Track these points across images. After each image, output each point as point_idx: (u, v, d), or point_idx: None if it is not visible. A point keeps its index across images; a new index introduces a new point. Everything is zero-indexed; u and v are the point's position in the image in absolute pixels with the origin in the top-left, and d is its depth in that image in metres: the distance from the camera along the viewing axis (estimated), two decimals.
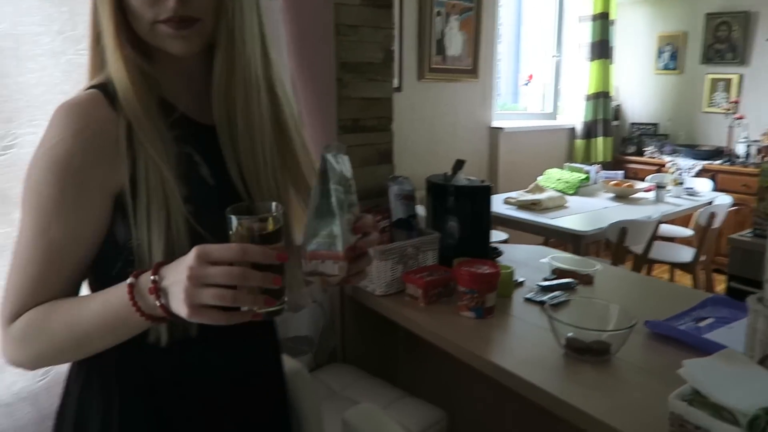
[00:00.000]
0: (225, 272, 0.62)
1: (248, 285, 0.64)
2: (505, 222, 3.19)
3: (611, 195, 3.60)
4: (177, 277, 0.64)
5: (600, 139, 4.90)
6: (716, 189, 4.04)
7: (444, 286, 1.67)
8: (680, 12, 4.88)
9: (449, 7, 3.81)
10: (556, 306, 1.52)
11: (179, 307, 0.64)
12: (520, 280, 1.80)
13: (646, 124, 5.17)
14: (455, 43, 3.94)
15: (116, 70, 0.76)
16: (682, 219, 3.74)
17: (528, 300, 1.67)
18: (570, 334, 1.34)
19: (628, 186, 3.65)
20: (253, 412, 0.89)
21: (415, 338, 1.63)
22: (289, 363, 1.01)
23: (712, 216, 3.38)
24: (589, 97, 4.84)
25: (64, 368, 0.87)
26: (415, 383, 1.95)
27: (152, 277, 0.66)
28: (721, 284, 3.57)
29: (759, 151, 4.33)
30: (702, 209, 3.43)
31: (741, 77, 4.59)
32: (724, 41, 4.65)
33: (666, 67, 5.02)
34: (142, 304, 0.68)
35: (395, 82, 3.58)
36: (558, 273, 1.83)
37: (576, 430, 1.19)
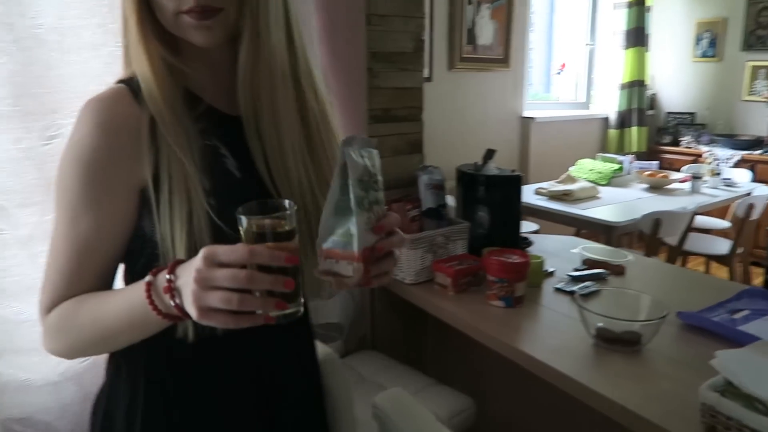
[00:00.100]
0: (231, 275, 0.60)
1: (255, 288, 0.61)
2: (536, 213, 3.17)
3: (645, 186, 3.53)
4: (187, 278, 0.63)
5: (634, 129, 4.80)
6: (755, 180, 3.93)
7: (473, 275, 1.68)
8: None
9: None
10: (587, 296, 1.51)
11: (189, 308, 0.63)
12: (550, 270, 1.79)
13: (682, 113, 5.04)
14: (486, 32, 3.90)
15: (139, 63, 0.76)
16: (719, 210, 3.66)
17: (558, 290, 1.66)
18: (600, 324, 1.33)
19: (662, 176, 3.57)
20: (287, 396, 0.89)
21: (444, 326, 1.64)
22: (320, 348, 1.03)
23: (751, 207, 3.29)
24: (623, 86, 4.74)
25: None
26: (444, 371, 1.96)
27: (167, 276, 0.65)
28: (758, 277, 3.49)
29: None
30: (740, 200, 3.34)
31: None
32: (767, 27, 4.50)
33: (704, 55, 4.89)
34: (159, 303, 0.67)
35: (425, 72, 3.56)
36: (589, 263, 1.81)
37: (606, 420, 1.19)
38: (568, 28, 4.95)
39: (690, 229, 3.11)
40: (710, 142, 4.65)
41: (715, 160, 4.32)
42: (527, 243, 2.00)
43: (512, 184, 1.85)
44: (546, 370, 1.30)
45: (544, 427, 1.60)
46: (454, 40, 3.71)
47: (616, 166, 3.62)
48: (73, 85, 1.20)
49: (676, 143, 4.90)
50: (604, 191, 3.37)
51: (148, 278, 0.67)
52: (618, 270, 1.78)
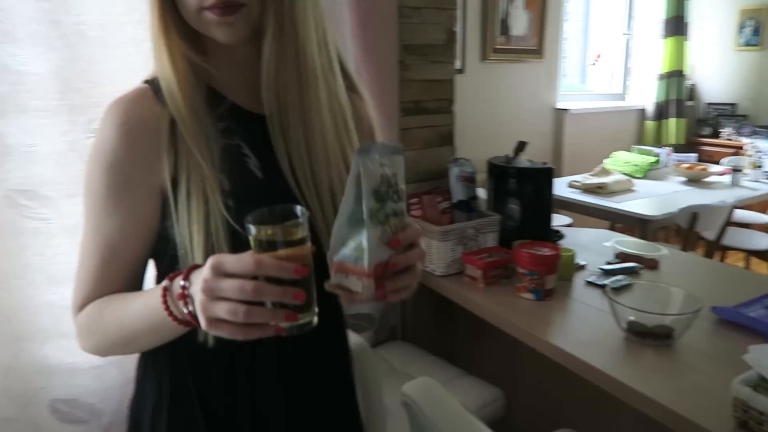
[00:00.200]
0: (237, 287, 0.58)
1: (263, 300, 0.59)
2: (569, 206, 3.14)
3: (683, 179, 3.46)
4: (197, 286, 0.61)
5: (672, 121, 4.69)
6: None
7: (503, 268, 1.68)
8: None
9: None
10: (618, 289, 1.50)
11: (199, 317, 0.61)
12: (582, 263, 1.78)
13: (723, 104, 4.90)
14: (520, 22, 3.86)
15: (159, 61, 0.74)
16: (760, 204, 3.55)
17: (589, 283, 1.66)
18: (631, 318, 1.33)
19: (701, 169, 3.49)
20: (319, 384, 0.87)
21: (474, 318, 1.65)
22: (351, 338, 1.05)
23: None
24: (661, 77, 4.64)
25: None
26: (474, 363, 1.97)
27: (181, 283, 0.64)
28: None
29: None
30: None
31: None
32: None
33: (748, 43, 4.73)
34: (174, 309, 0.65)
35: (458, 64, 3.56)
36: (621, 257, 1.80)
37: (636, 414, 1.18)
38: (605, 17, 4.85)
39: (729, 223, 3.04)
40: (752, 134, 4.51)
41: (757, 152, 4.19)
42: (559, 236, 1.99)
43: (543, 176, 1.84)
44: (576, 362, 1.30)
45: (573, 419, 1.60)
46: (487, 32, 3.69)
47: (653, 159, 3.55)
48: (116, 80, 1.25)
49: (716, 135, 4.77)
50: (640, 184, 3.31)
51: (164, 283, 0.66)
52: (651, 264, 1.75)
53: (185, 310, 0.63)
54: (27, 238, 1.24)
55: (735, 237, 3.32)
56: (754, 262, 3.77)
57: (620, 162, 3.60)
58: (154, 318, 0.67)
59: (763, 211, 3.67)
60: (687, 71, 4.76)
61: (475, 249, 1.76)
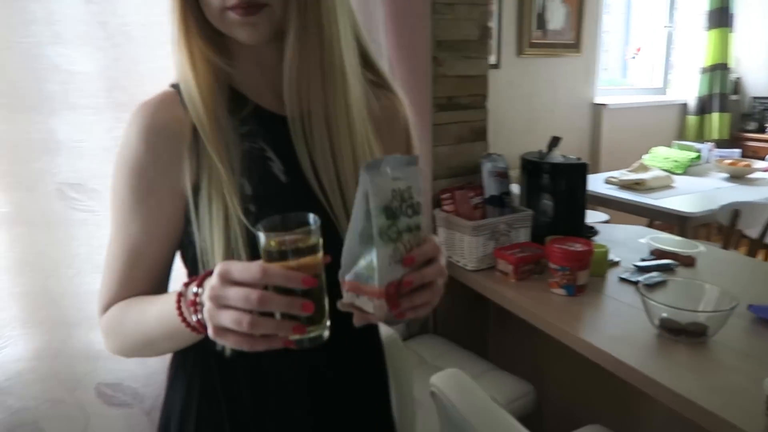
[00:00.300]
0: (242, 296, 0.56)
1: (269, 310, 0.57)
2: (606, 202, 3.09)
3: (725, 175, 3.36)
4: (206, 293, 0.59)
5: (716, 115, 4.56)
6: None
7: (535, 263, 1.68)
8: None
9: None
10: (652, 286, 1.49)
11: (207, 325, 0.59)
12: (616, 259, 1.77)
13: None
14: (557, 16, 3.81)
15: (180, 63, 0.73)
16: None
17: (622, 279, 1.64)
18: (664, 315, 1.32)
19: (744, 165, 3.39)
20: (350, 386, 0.85)
21: (506, 313, 1.65)
22: (383, 330, 1.07)
23: None
24: (704, 70, 4.51)
25: None
26: (505, 357, 1.98)
27: (194, 290, 0.63)
28: None
29: None
30: None
31: None
32: None
33: None
34: (187, 316, 0.64)
35: (493, 59, 3.54)
36: (657, 254, 1.77)
37: (667, 411, 1.18)
38: (647, 9, 4.74)
39: None
40: None
41: None
42: (593, 232, 1.98)
43: (577, 172, 1.83)
44: (606, 358, 1.30)
45: (603, 416, 1.59)
46: (523, 26, 3.66)
47: (694, 155, 3.47)
48: (159, 78, 1.29)
49: (761, 130, 4.61)
50: (680, 180, 3.24)
51: (180, 289, 0.66)
52: (687, 261, 1.73)
53: (195, 318, 0.63)
54: (75, 229, 1.31)
55: None
56: None
57: (659, 158, 3.53)
58: (169, 324, 0.66)
59: None
60: (732, 64, 4.61)
61: (507, 244, 1.77)
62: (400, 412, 1.17)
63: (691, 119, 4.59)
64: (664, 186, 3.11)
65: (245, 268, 0.57)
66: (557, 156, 1.84)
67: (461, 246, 1.77)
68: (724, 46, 4.49)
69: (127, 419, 1.46)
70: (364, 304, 0.60)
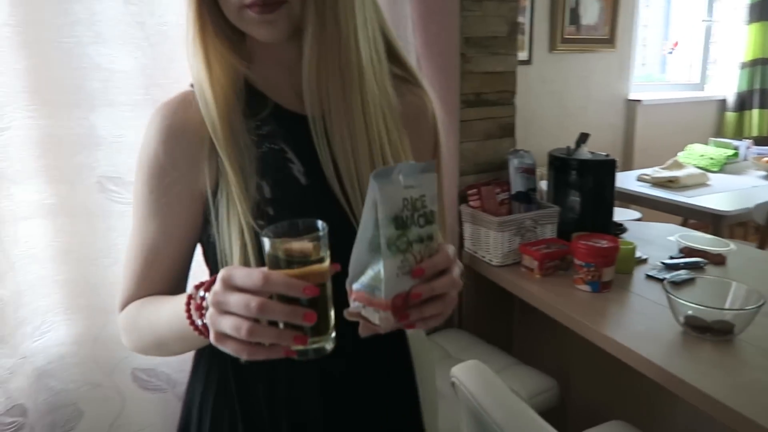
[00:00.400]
0: (242, 302, 0.54)
1: (268, 319, 0.55)
2: (638, 200, 3.05)
3: (763, 173, 3.27)
4: (208, 298, 0.58)
5: (756, 112, 4.43)
6: None
7: (561, 259, 1.68)
8: None
9: None
10: (679, 284, 1.47)
11: (210, 330, 0.58)
12: (644, 257, 1.76)
13: None
14: (591, 11, 3.76)
15: (194, 62, 0.72)
16: None
17: (649, 277, 1.63)
18: (690, 312, 1.31)
19: None
20: (373, 377, 0.83)
21: (531, 308, 1.66)
22: None
23: None
24: (744, 65, 4.38)
25: None
26: (529, 352, 1.99)
27: (202, 293, 0.62)
28: None
29: None
30: None
31: None
32: None
33: None
34: (195, 319, 0.63)
35: (524, 55, 3.52)
36: (686, 252, 1.76)
37: (691, 409, 1.18)
38: (686, 2, 4.63)
39: None
40: None
41: None
42: (621, 229, 1.97)
43: (605, 168, 1.82)
44: (630, 355, 1.30)
45: (627, 412, 1.59)
46: (555, 21, 3.62)
47: (731, 152, 3.39)
48: None
49: None
50: (716, 178, 3.17)
51: (190, 291, 0.65)
52: (717, 260, 1.70)
53: (200, 322, 0.62)
54: (114, 220, 1.37)
55: None
56: None
57: (695, 155, 3.46)
58: (179, 326, 0.65)
59: None
60: None
61: (533, 240, 1.77)
62: (423, 404, 1.20)
63: (730, 116, 4.48)
64: (699, 184, 3.05)
65: (247, 275, 0.55)
66: (585, 152, 1.84)
67: (486, 241, 1.79)
68: (765, 40, 4.36)
69: (160, 403, 1.53)
70: (370, 314, 0.58)
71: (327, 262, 0.58)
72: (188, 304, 0.64)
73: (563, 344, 1.87)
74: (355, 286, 0.59)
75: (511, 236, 1.75)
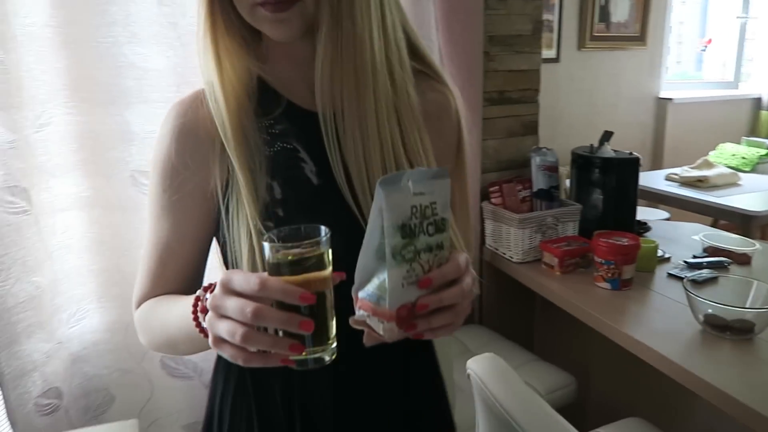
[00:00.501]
0: (238, 307, 0.53)
1: (263, 325, 0.54)
2: (666, 200, 3.01)
3: None
4: (208, 301, 0.57)
5: None
6: None
7: (581, 257, 1.69)
8: None
9: None
10: (701, 283, 1.47)
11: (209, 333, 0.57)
12: (666, 255, 1.75)
13: None
14: (621, 8, 3.72)
15: (204, 60, 0.71)
16: None
17: (671, 275, 1.63)
18: (709, 311, 1.31)
19: None
20: (399, 370, 0.81)
21: (551, 306, 1.67)
22: None
23: None
24: None
25: None
26: (549, 349, 1.99)
27: (207, 296, 0.61)
28: None
29: None
30: None
31: None
32: None
33: None
34: (202, 321, 0.62)
35: (553, 53, 3.51)
36: (710, 251, 1.74)
37: (709, 407, 1.18)
38: None
39: None
40: None
41: None
42: (645, 228, 1.96)
43: (629, 166, 1.81)
44: (648, 352, 1.30)
45: (645, 410, 1.59)
46: (584, 19, 3.60)
47: (764, 152, 3.33)
48: None
49: None
50: (747, 178, 3.11)
51: (198, 293, 0.64)
52: (742, 259, 1.69)
53: (205, 324, 0.60)
54: (146, 212, 1.43)
55: None
56: None
57: (726, 154, 3.41)
58: (187, 327, 0.64)
59: None
60: None
61: (554, 237, 1.78)
62: None
63: (765, 114, 4.37)
64: (729, 183, 3.00)
65: (245, 279, 0.54)
66: (608, 150, 1.84)
67: (507, 238, 1.80)
68: None
69: (187, 390, 1.58)
70: (375, 324, 0.57)
71: (328, 270, 0.57)
72: (195, 305, 0.63)
73: (583, 341, 1.87)
74: (361, 294, 0.57)
75: (531, 233, 1.76)
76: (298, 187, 0.72)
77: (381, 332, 0.56)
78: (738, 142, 3.56)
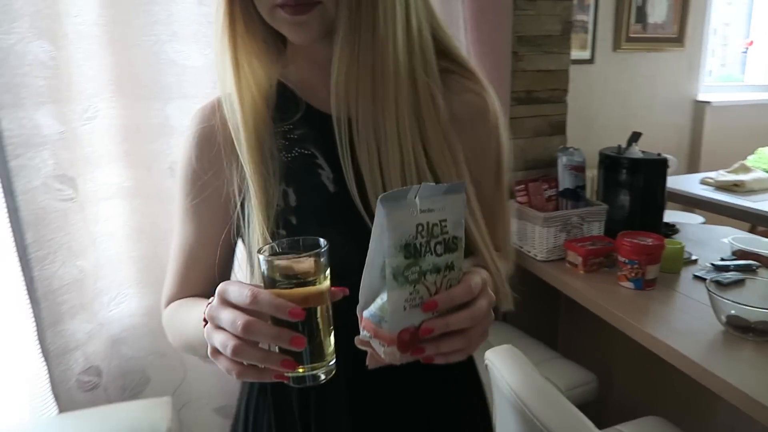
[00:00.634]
0: (230, 319, 0.52)
1: (254, 339, 0.52)
2: (701, 204, 2.96)
3: None
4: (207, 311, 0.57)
5: None
6: None
7: (605, 256, 1.70)
8: None
9: None
10: (727, 285, 1.47)
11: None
12: (693, 258, 1.74)
13: None
14: (659, 8, 3.67)
15: (221, 64, 0.70)
16: None
17: (697, 277, 1.62)
18: (732, 312, 1.31)
19: None
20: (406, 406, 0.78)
21: (575, 304, 1.68)
22: None
23: None
24: None
25: None
26: (573, 347, 2.00)
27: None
28: None
29: None
30: None
31: None
32: None
33: None
34: None
35: (587, 54, 3.48)
36: (739, 254, 1.73)
37: (730, 408, 1.18)
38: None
39: None
40: None
41: None
42: (673, 230, 1.95)
43: (656, 168, 1.81)
44: (670, 352, 1.31)
45: (665, 409, 1.59)
46: (620, 19, 3.56)
47: None
48: None
49: None
50: None
51: (210, 299, 0.62)
52: None
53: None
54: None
55: None
56: None
57: (766, 159, 3.32)
58: (201, 332, 0.62)
59: None
60: None
61: (578, 237, 1.79)
62: None
63: None
64: (767, 188, 2.94)
65: (239, 291, 0.53)
66: (636, 151, 1.84)
67: (532, 236, 1.82)
68: None
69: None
70: (377, 346, 0.54)
71: (324, 284, 0.55)
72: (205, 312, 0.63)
73: (606, 340, 1.88)
74: (365, 314, 0.54)
75: (556, 232, 1.78)
76: (314, 194, 0.71)
77: (383, 355, 0.54)
78: None
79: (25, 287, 1.29)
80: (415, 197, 0.51)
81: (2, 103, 1.20)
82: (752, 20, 4.55)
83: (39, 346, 1.33)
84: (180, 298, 0.78)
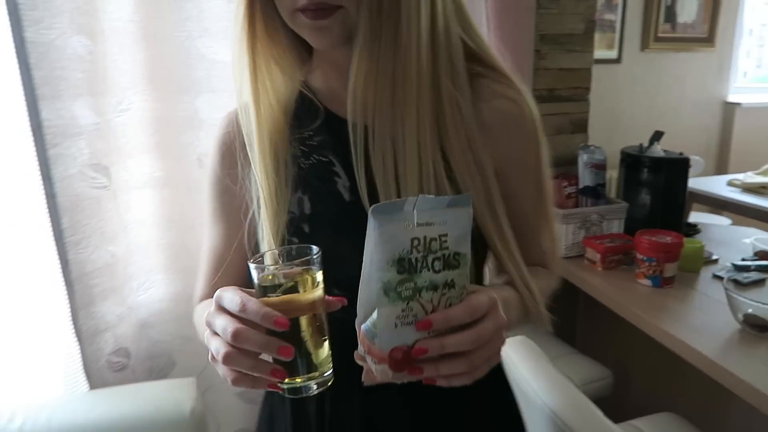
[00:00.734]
0: (222, 325, 0.52)
1: (243, 347, 0.52)
2: (727, 206, 2.92)
3: None
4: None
5: None
6: None
7: (624, 254, 1.70)
8: None
9: None
10: (746, 284, 1.47)
11: None
12: (714, 257, 1.74)
13: None
14: (689, 8, 3.63)
15: (237, 69, 0.70)
16: None
17: (716, 277, 1.62)
18: (749, 311, 1.31)
19: None
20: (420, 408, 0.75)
21: (594, 302, 1.70)
22: None
23: None
24: None
25: None
26: (591, 344, 2.01)
27: None
28: None
29: None
30: None
31: None
32: None
33: None
34: None
35: (614, 53, 3.46)
36: (761, 255, 1.72)
37: (745, 406, 1.18)
38: None
39: None
40: None
41: None
42: (695, 230, 1.94)
43: (678, 167, 1.81)
44: (685, 349, 1.32)
45: (681, 406, 1.59)
46: (649, 19, 3.53)
47: None
48: None
49: None
50: None
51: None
52: None
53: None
54: None
55: None
56: None
57: None
58: None
59: None
60: None
61: (598, 234, 1.80)
62: None
63: None
64: None
65: (231, 298, 0.53)
66: (658, 150, 1.84)
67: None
68: None
69: None
70: (370, 362, 0.52)
71: (314, 293, 0.54)
72: None
73: (623, 337, 1.88)
74: (362, 328, 0.52)
75: (575, 229, 1.79)
76: (329, 202, 0.70)
77: (375, 373, 0.52)
78: None
79: (60, 270, 1.35)
80: (412, 209, 0.48)
81: (42, 94, 1.26)
82: None
83: (72, 326, 1.39)
84: (207, 299, 0.80)
